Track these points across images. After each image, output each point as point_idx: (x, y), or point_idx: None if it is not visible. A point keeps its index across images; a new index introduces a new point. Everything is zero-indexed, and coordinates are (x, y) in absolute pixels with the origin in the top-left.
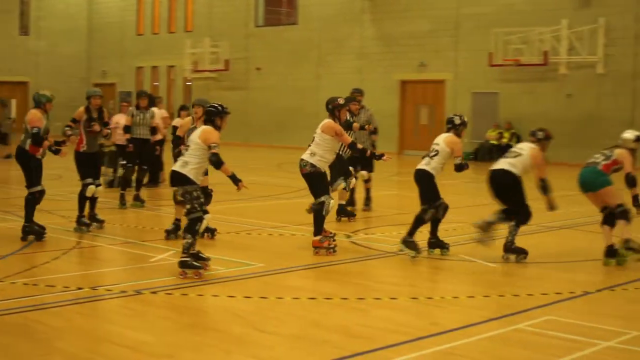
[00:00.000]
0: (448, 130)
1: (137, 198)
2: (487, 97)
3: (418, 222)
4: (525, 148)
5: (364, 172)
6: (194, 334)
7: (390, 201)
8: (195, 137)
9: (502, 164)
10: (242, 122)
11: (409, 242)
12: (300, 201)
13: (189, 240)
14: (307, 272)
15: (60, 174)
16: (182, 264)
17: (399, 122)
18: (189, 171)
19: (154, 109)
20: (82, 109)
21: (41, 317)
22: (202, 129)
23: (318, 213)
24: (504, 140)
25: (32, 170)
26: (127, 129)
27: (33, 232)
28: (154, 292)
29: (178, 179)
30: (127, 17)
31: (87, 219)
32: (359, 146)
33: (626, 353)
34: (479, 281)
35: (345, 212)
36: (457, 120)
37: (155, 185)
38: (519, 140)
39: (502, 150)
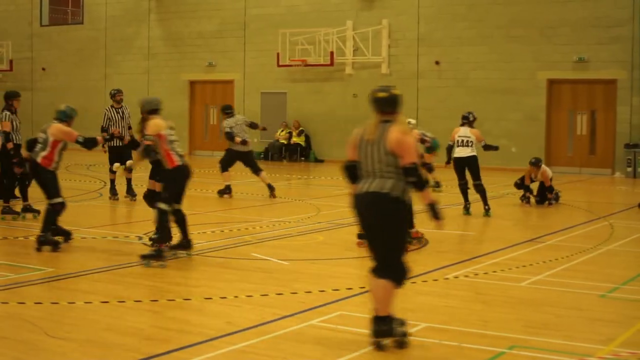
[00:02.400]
0: (463, 125)
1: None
2: (275, 97)
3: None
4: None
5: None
6: None
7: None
8: None
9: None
10: (26, 124)
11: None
12: (89, 204)
13: None
14: (99, 276)
15: None
16: None
17: (188, 122)
18: None
19: None
20: None
21: None
22: None
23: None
24: (294, 140)
25: (48, 182)
26: (8, 135)
27: (48, 242)
28: None
29: None
30: None
31: None
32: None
33: (415, 344)
34: (272, 279)
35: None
36: (471, 117)
37: None
38: (307, 139)
39: (291, 149)
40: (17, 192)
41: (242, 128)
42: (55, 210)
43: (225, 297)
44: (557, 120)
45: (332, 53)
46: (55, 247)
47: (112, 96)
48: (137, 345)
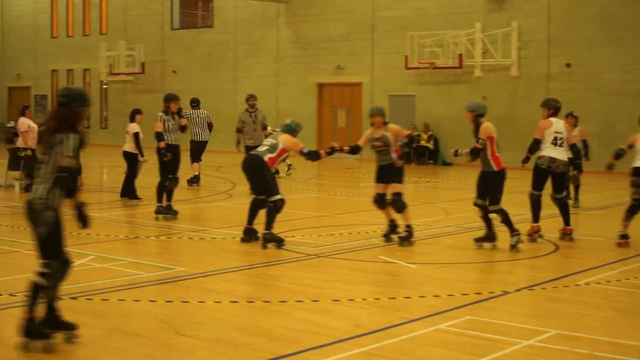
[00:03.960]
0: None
1: (169, 209)
2: (403, 100)
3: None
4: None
5: None
6: (114, 339)
7: (310, 203)
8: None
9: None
10: None
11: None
12: (218, 204)
13: None
14: (229, 276)
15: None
16: None
17: (316, 124)
18: None
19: None
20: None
21: None
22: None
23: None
24: (422, 142)
25: (270, 180)
26: (160, 136)
27: (274, 239)
28: (74, 298)
29: None
30: (40, 19)
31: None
32: None
33: (546, 351)
34: (400, 282)
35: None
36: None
37: None
38: (436, 142)
39: (419, 152)
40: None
41: (203, 122)
42: (277, 207)
43: (353, 300)
44: None
45: (460, 55)
46: (280, 243)
47: (246, 100)
48: (266, 345)
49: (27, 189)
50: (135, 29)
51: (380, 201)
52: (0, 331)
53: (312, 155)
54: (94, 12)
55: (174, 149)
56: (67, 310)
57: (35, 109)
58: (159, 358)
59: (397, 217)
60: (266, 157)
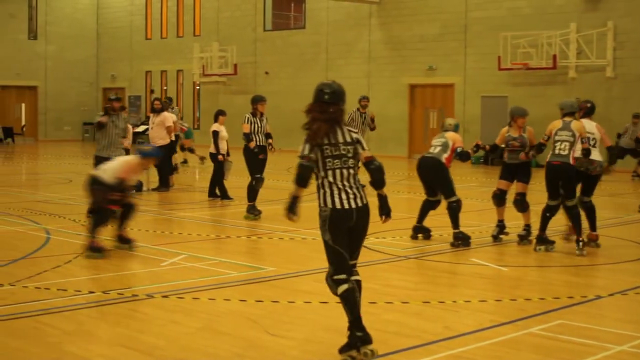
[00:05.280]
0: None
1: (253, 208)
2: (496, 101)
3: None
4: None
5: None
6: (205, 338)
7: (400, 205)
8: None
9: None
10: None
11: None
12: (310, 205)
13: None
14: (319, 276)
15: (70, 179)
16: None
17: (408, 126)
18: None
19: (165, 113)
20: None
21: (52, 321)
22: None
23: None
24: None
25: (449, 181)
26: (248, 136)
27: (462, 237)
28: (165, 296)
29: None
30: (135, 21)
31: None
32: None
33: (638, 357)
34: (491, 285)
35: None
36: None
37: (166, 189)
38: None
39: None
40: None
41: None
42: (459, 206)
43: (443, 302)
44: None
45: (554, 56)
46: (466, 242)
47: (359, 101)
48: None
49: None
50: (228, 30)
51: (500, 197)
52: (95, 327)
53: (463, 156)
54: (188, 14)
55: (262, 150)
56: (158, 308)
57: (129, 109)
58: (248, 357)
59: (507, 217)
60: (442, 159)
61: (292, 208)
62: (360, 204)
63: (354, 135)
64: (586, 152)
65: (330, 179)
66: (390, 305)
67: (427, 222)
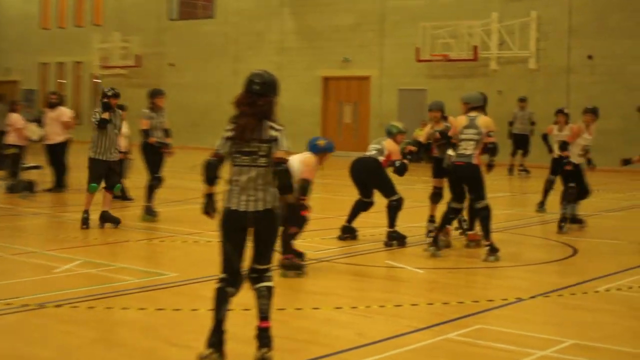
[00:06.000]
0: None
1: (150, 210)
2: (414, 94)
3: None
4: None
5: None
6: (100, 349)
7: (314, 204)
8: None
9: None
10: None
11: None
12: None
13: None
14: None
15: None
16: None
17: (321, 120)
18: None
19: (62, 107)
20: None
21: None
22: None
23: None
24: None
25: (387, 181)
26: (147, 133)
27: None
28: (58, 306)
29: None
30: (30, 9)
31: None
32: None
33: None
34: (407, 288)
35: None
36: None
37: (61, 190)
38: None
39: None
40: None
41: None
42: (399, 205)
43: (356, 307)
44: None
45: (475, 47)
46: (402, 241)
47: None
48: None
49: (12, 189)
50: (130, 19)
51: (439, 195)
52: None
53: (401, 171)
54: (88, 2)
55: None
56: (50, 319)
57: (22, 104)
58: None
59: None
60: (380, 159)
61: (206, 207)
62: (260, 208)
63: (274, 133)
64: (492, 147)
65: (235, 176)
66: (300, 312)
67: (331, 221)
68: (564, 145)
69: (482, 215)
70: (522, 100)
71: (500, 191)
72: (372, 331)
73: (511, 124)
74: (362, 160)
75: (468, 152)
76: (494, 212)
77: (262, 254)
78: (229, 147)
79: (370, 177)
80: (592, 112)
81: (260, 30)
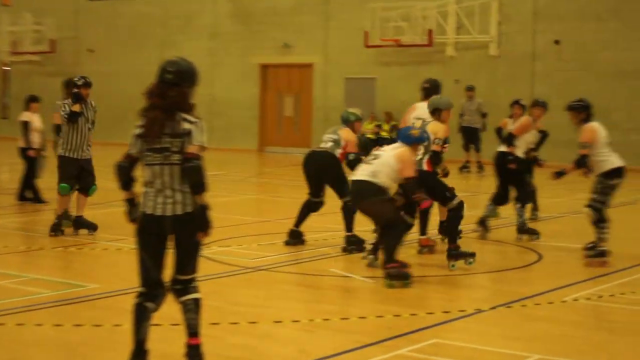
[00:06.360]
0: None
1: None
2: (362, 83)
3: None
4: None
5: None
6: None
7: (248, 207)
8: None
9: None
10: None
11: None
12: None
13: None
14: None
15: None
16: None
17: (259, 113)
18: None
19: None
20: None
21: None
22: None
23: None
24: (383, 134)
25: (343, 179)
26: (59, 129)
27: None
28: None
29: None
30: None
31: None
32: None
33: None
34: (354, 300)
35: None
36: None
37: None
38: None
39: (380, 145)
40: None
41: None
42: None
43: (298, 321)
44: None
45: (430, 31)
46: (360, 246)
47: None
48: None
49: None
50: (42, 0)
51: None
52: None
53: (353, 164)
54: None
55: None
56: None
57: None
58: None
59: None
60: (336, 152)
61: (130, 213)
62: (179, 212)
63: (187, 126)
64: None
65: (149, 177)
66: (236, 327)
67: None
68: (510, 139)
69: (451, 216)
70: (470, 89)
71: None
72: (316, 347)
73: (462, 115)
74: (317, 153)
75: (418, 158)
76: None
77: (185, 263)
78: (140, 145)
79: (324, 174)
80: (542, 106)
81: (191, 12)
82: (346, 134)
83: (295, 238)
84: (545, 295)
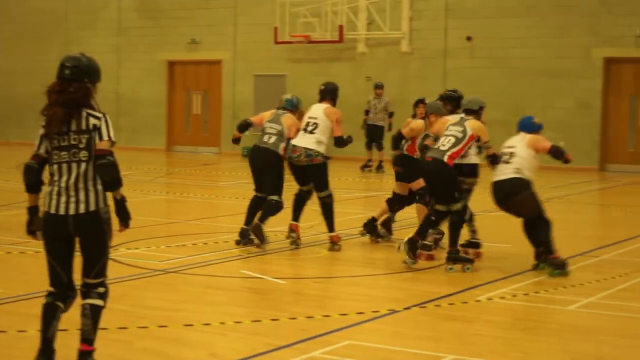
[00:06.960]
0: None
1: None
2: (272, 80)
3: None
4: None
5: None
6: None
7: (157, 208)
8: None
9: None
10: None
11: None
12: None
13: None
14: None
15: None
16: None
17: (166, 111)
18: None
19: None
20: None
21: None
22: None
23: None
24: None
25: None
26: None
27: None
28: None
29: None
30: None
31: None
32: None
33: None
34: (266, 302)
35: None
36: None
37: None
38: None
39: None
40: None
41: None
42: (278, 207)
43: (208, 324)
44: (615, 108)
45: (341, 27)
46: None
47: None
48: None
49: None
50: None
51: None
52: None
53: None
54: None
55: None
56: None
57: None
58: None
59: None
60: (279, 149)
61: (29, 224)
62: (82, 211)
63: (94, 121)
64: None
65: (55, 175)
66: (145, 331)
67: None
68: (397, 140)
69: (454, 220)
70: (379, 87)
71: (356, 190)
72: (227, 351)
73: (367, 112)
74: (261, 150)
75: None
76: (355, 214)
77: (90, 266)
78: (47, 144)
79: (267, 172)
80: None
81: (95, 6)
82: (288, 120)
83: (245, 237)
84: (459, 295)
